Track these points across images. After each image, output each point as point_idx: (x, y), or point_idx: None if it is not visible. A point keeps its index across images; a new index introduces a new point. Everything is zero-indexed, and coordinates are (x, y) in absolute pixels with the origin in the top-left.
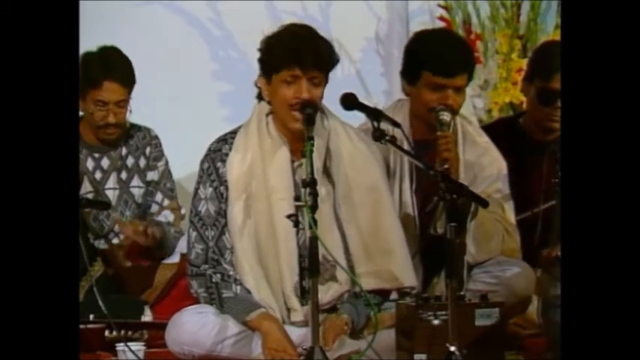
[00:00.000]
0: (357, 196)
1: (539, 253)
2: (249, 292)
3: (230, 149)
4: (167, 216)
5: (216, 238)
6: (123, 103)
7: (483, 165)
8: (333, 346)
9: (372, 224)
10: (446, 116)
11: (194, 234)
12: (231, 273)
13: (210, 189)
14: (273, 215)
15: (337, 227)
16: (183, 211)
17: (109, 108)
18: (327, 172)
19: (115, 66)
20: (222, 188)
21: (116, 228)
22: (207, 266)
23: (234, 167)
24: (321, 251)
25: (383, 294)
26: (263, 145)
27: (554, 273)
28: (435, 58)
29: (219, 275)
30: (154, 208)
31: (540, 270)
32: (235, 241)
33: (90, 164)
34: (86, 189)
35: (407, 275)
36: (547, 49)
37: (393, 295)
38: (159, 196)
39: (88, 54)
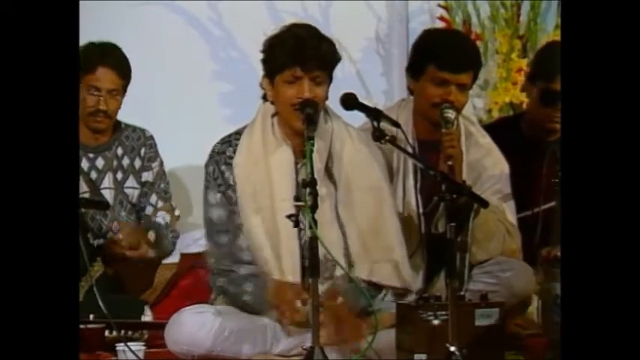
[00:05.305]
0: (358, 197)
1: (538, 252)
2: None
3: (234, 152)
4: (164, 217)
5: (231, 241)
6: (116, 93)
7: (486, 166)
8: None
9: (372, 225)
10: (450, 114)
11: (210, 242)
12: (245, 272)
13: (219, 194)
14: (275, 215)
15: (338, 227)
16: (177, 213)
17: (101, 95)
18: (328, 172)
19: (111, 54)
20: (229, 192)
21: (115, 227)
22: (228, 263)
23: (240, 173)
24: (322, 251)
25: (377, 288)
26: (267, 146)
27: (553, 272)
28: (441, 53)
29: (235, 273)
30: (149, 210)
31: (540, 269)
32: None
33: (85, 164)
34: (82, 189)
35: (402, 277)
36: (550, 49)
37: (390, 296)
38: (153, 198)
39: (88, 44)
